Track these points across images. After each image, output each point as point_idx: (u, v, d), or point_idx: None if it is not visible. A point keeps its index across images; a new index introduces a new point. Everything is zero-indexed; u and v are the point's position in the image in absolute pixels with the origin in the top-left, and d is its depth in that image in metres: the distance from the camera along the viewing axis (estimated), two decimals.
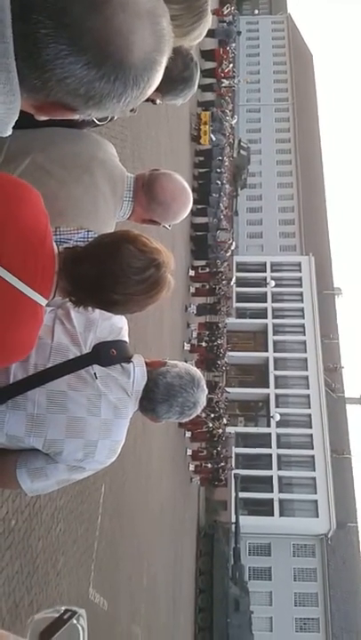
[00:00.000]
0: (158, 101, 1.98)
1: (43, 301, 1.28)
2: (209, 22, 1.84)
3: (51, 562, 5.19)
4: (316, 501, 39.45)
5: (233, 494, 31.76)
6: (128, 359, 1.74)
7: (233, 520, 31.71)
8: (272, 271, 48.29)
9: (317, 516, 39.18)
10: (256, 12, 73.33)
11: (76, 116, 0.82)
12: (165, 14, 0.77)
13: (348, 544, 41.62)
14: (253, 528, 36.81)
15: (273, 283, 46.70)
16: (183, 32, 1.47)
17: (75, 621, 1.04)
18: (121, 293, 1.36)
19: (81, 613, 1.06)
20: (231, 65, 29.34)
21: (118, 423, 1.69)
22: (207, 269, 25.38)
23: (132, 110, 0.85)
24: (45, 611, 1.06)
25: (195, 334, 24.38)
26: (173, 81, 1.96)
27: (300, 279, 48.22)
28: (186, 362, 1.94)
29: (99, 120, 1.78)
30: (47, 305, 1.34)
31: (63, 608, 1.05)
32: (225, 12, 29.82)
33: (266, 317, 45.81)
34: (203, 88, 26.33)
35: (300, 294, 47.26)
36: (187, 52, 2.04)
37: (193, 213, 23.37)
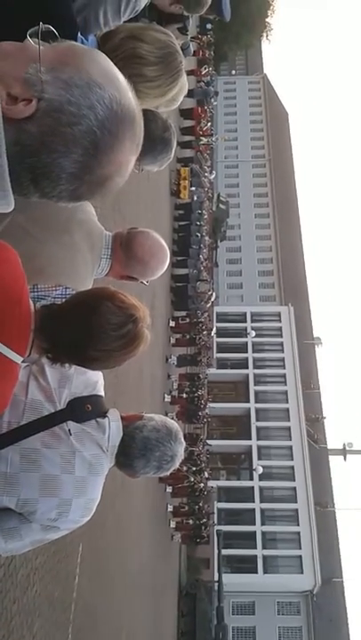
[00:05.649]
0: (136, 170, 2.06)
1: (18, 359, 1.28)
2: (185, 86, 1.93)
3: (26, 624, 4.99)
4: (300, 557, 38.58)
5: (216, 551, 30.96)
6: (103, 414, 1.73)
7: (216, 578, 30.79)
8: (252, 321, 48.66)
9: (302, 572, 38.25)
10: (233, 72, 76.18)
11: None
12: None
13: (334, 600, 40.49)
14: (237, 586, 35.73)
15: (253, 333, 46.99)
16: (162, 92, 1.56)
17: None
18: (100, 350, 1.35)
19: None
20: (209, 123, 30.30)
21: (93, 481, 1.67)
22: (187, 320, 25.50)
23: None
24: None
25: (175, 385, 24.25)
26: (153, 141, 2.04)
27: (280, 329, 48.59)
28: (166, 414, 1.94)
29: None
30: (22, 361, 1.34)
31: None
32: (203, 73, 31.04)
33: (247, 368, 45.83)
34: (182, 145, 27.06)
35: (281, 344, 47.51)
36: (165, 118, 2.14)
37: (173, 265, 23.63)
